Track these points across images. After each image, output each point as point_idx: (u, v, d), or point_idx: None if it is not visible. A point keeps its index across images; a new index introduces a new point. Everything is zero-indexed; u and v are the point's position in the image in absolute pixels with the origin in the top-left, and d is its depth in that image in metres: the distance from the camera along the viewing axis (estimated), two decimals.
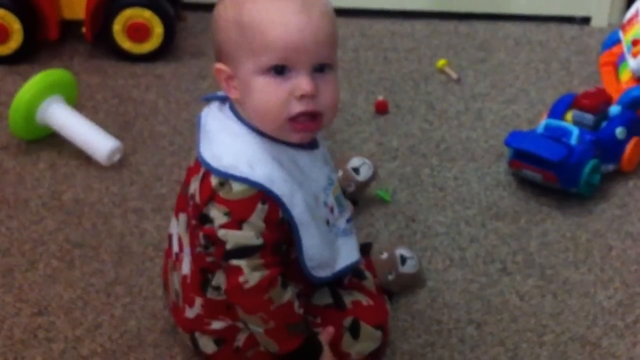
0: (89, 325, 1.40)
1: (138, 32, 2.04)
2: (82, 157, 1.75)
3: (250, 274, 1.15)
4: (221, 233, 1.14)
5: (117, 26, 2.03)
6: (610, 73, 1.91)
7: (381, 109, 1.91)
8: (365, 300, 1.29)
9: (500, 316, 1.43)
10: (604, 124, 1.68)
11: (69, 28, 2.11)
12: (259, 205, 1.14)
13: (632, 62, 1.82)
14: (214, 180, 1.14)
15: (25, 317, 1.42)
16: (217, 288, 1.23)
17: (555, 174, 1.62)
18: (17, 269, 1.50)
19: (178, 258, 1.28)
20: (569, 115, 1.69)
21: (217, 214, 1.14)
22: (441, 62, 2.06)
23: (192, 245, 1.23)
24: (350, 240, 1.29)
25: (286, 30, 1.10)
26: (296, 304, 1.19)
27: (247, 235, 1.14)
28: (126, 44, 2.06)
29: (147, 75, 2.04)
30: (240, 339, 1.26)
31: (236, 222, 1.13)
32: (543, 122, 1.69)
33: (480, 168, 1.75)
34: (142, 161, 1.76)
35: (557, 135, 1.65)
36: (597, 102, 1.68)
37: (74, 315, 1.42)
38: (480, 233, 1.59)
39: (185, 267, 1.26)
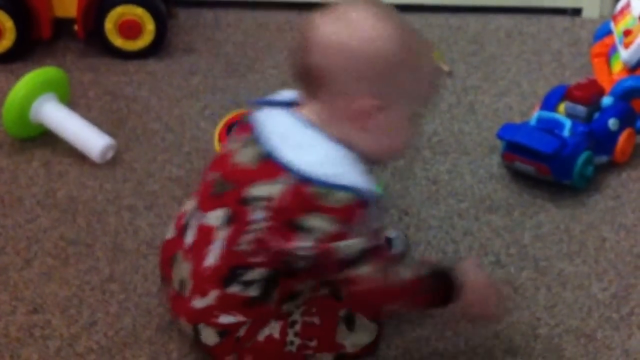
0: (85, 322, 1.40)
1: (130, 29, 2.04)
2: (75, 154, 1.75)
3: (371, 275, 1.19)
4: (333, 245, 1.16)
5: (109, 24, 2.03)
6: (602, 64, 1.92)
7: None
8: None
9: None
10: (596, 115, 1.68)
11: (62, 26, 2.10)
12: (362, 211, 1.16)
13: (623, 53, 1.82)
14: (314, 189, 1.15)
15: (20, 315, 1.42)
16: (248, 283, 1.22)
17: (548, 166, 1.62)
18: (12, 267, 1.50)
19: (194, 249, 1.27)
20: (562, 107, 1.70)
21: (321, 223, 1.15)
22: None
23: (231, 242, 1.22)
24: None
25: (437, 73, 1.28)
26: (408, 274, 1.24)
27: (358, 241, 1.17)
28: (118, 42, 2.05)
29: (139, 72, 2.03)
30: (242, 330, 1.26)
31: (345, 230, 1.16)
32: (535, 114, 1.70)
33: (473, 161, 1.75)
34: (135, 158, 1.76)
35: (549, 128, 1.65)
36: (590, 94, 1.68)
37: (69, 312, 1.42)
38: (474, 226, 1.59)
39: (210, 260, 1.24)
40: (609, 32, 1.95)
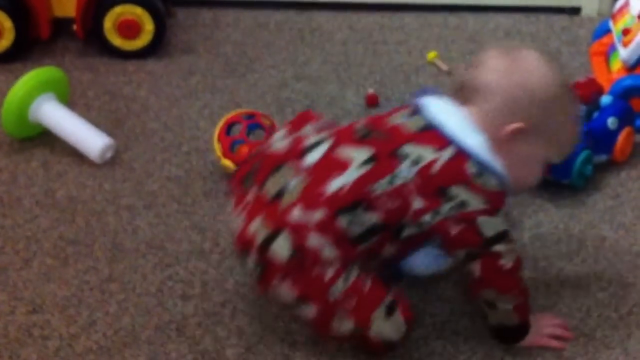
0: (84, 322, 1.41)
1: (129, 29, 2.04)
2: (74, 154, 1.75)
3: (508, 256, 1.29)
4: (481, 220, 1.26)
5: (108, 23, 2.03)
6: (601, 63, 1.92)
7: (372, 102, 1.91)
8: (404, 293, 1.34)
9: None
10: (595, 114, 1.69)
11: (60, 26, 2.11)
12: (504, 199, 1.29)
13: (622, 52, 1.82)
14: (471, 168, 1.26)
15: (20, 315, 1.42)
16: (357, 222, 1.27)
17: (547, 165, 1.62)
18: (12, 267, 1.51)
19: (316, 171, 1.29)
20: None
21: (474, 201, 1.26)
22: (431, 55, 2.07)
23: (365, 181, 1.27)
24: None
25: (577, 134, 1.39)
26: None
27: (502, 221, 1.28)
28: (117, 41, 2.06)
29: (138, 72, 2.04)
30: (310, 257, 1.27)
31: (494, 210, 1.27)
32: None
33: None
34: (134, 158, 1.76)
35: None
36: (589, 93, 1.68)
37: (68, 312, 1.43)
38: None
39: (334, 186, 1.27)
40: (607, 31, 1.95)
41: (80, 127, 1.76)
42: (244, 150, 1.65)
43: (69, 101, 1.86)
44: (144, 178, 1.71)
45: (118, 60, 2.06)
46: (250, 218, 1.31)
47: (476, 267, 1.29)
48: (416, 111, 1.32)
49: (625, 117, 1.71)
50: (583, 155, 1.62)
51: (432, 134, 1.28)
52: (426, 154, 1.26)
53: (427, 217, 1.27)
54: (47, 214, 1.62)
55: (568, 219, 1.60)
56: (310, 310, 1.29)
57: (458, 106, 1.31)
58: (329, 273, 1.27)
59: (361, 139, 1.31)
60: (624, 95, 1.76)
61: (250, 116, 1.71)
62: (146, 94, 1.96)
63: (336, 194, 1.27)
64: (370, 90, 1.92)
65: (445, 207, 1.26)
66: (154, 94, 1.96)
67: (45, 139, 1.79)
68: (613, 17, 1.93)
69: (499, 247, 1.28)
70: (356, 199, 1.27)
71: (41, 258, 1.53)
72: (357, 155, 1.29)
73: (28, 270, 1.50)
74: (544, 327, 1.37)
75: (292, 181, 1.30)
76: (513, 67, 1.29)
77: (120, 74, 2.03)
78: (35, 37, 2.06)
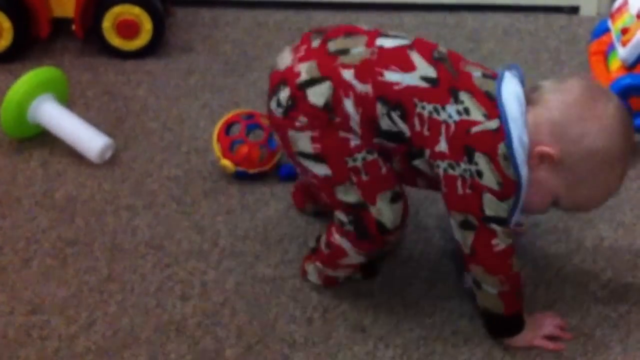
0: (83, 322, 1.41)
1: (128, 28, 2.04)
2: (74, 154, 1.76)
3: (503, 239, 1.30)
4: (487, 197, 1.28)
5: (107, 23, 2.04)
6: (600, 62, 1.92)
7: None
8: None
9: None
10: None
11: (60, 26, 2.11)
12: (515, 194, 1.29)
13: (621, 51, 1.82)
14: (502, 148, 1.26)
15: (19, 315, 1.42)
16: (389, 120, 1.29)
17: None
18: (11, 268, 1.51)
19: (386, 54, 1.31)
20: None
21: (490, 176, 1.27)
22: None
23: (414, 93, 1.28)
24: None
25: (602, 203, 1.37)
26: (521, 276, 1.35)
27: (505, 208, 1.29)
28: (116, 41, 2.06)
29: (137, 71, 2.04)
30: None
31: (503, 195, 1.28)
32: None
33: None
34: (134, 158, 1.76)
35: None
36: None
37: (68, 313, 1.43)
38: None
39: (391, 78, 1.29)
40: (606, 30, 1.95)
41: (79, 127, 1.76)
42: (243, 150, 1.66)
43: (68, 101, 1.86)
44: (143, 178, 1.71)
45: (117, 60, 2.06)
46: (302, 59, 1.33)
47: (469, 238, 1.31)
48: (492, 76, 1.32)
49: None
50: None
51: (491, 103, 1.28)
52: (476, 112, 1.27)
53: (443, 164, 1.29)
54: (47, 214, 1.62)
55: (567, 218, 1.61)
56: (321, 169, 1.33)
57: (525, 100, 1.30)
58: (352, 143, 1.31)
59: (435, 60, 1.31)
60: (622, 94, 1.75)
61: (250, 116, 1.71)
62: (145, 93, 1.97)
63: (389, 84, 1.29)
64: None
65: (463, 166, 1.27)
66: (153, 94, 1.96)
67: (44, 139, 1.79)
68: (612, 16, 1.93)
69: (495, 226, 1.29)
70: (400, 102, 1.28)
71: (40, 258, 1.53)
72: (425, 69, 1.30)
73: (27, 270, 1.51)
74: (542, 327, 1.38)
75: (359, 48, 1.32)
76: (589, 102, 1.27)
77: (119, 73, 2.03)
78: (34, 37, 2.07)
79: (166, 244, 1.56)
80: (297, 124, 1.31)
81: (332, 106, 1.29)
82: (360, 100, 1.29)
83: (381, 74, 1.29)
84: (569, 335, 1.38)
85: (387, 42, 1.33)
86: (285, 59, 1.35)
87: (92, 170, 1.73)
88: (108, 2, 2.03)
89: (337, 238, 1.39)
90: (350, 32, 1.36)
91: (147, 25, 2.05)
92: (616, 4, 1.94)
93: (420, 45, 1.33)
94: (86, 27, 2.06)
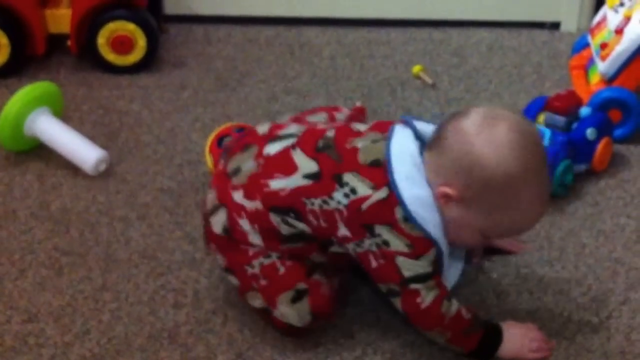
0: (78, 331, 1.42)
1: (122, 44, 2.06)
2: (69, 167, 1.76)
3: (427, 295, 1.28)
4: (400, 260, 1.27)
5: (102, 39, 2.06)
6: (580, 76, 1.94)
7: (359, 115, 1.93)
8: (326, 287, 1.36)
9: (478, 314, 1.45)
10: (575, 125, 1.70)
11: (55, 41, 2.12)
12: (430, 250, 1.28)
13: (601, 65, 1.84)
14: (399, 212, 1.25)
15: (15, 324, 1.43)
16: (289, 224, 1.32)
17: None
18: (7, 278, 1.52)
19: (271, 163, 1.33)
20: (541, 118, 1.72)
21: (396, 242, 1.26)
22: (417, 68, 2.09)
23: (303, 193, 1.30)
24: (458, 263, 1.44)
25: (532, 225, 1.32)
26: (463, 311, 1.32)
27: (423, 264, 1.28)
28: (110, 57, 2.08)
29: (131, 86, 2.05)
30: (238, 236, 1.34)
31: (415, 255, 1.27)
32: None
33: None
34: (128, 170, 1.78)
35: None
36: (568, 104, 1.70)
37: (63, 321, 1.43)
38: None
39: (277, 185, 1.31)
40: (586, 45, 1.97)
41: (74, 140, 1.77)
42: None
43: (64, 115, 1.87)
44: (137, 190, 1.72)
45: (111, 75, 2.08)
46: (210, 185, 1.39)
47: (398, 304, 1.31)
48: (381, 138, 1.30)
49: (604, 128, 1.72)
50: (563, 164, 1.64)
51: (378, 171, 1.27)
52: (362, 188, 1.27)
53: (351, 246, 1.30)
54: (42, 225, 1.63)
55: (549, 227, 1.62)
56: (234, 280, 1.39)
57: (425, 148, 1.29)
58: (251, 251, 1.34)
59: (317, 151, 1.32)
60: (602, 106, 1.78)
61: (241, 129, 1.72)
62: (139, 107, 1.98)
63: (275, 193, 1.32)
64: (358, 104, 1.94)
65: (367, 242, 1.28)
66: (147, 108, 1.98)
67: (40, 152, 1.80)
68: (591, 31, 1.95)
69: (416, 286, 1.28)
70: (290, 205, 1.31)
71: (36, 268, 1.54)
72: (306, 166, 1.31)
73: (23, 280, 1.51)
74: (530, 342, 1.37)
75: (248, 164, 1.35)
76: (481, 132, 1.23)
77: (114, 88, 2.04)
78: (30, 53, 2.08)
79: (159, 254, 1.57)
80: (212, 247, 1.39)
81: (229, 229, 1.34)
82: (254, 217, 1.33)
83: (267, 185, 1.32)
84: (551, 348, 1.39)
85: (273, 148, 1.35)
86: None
87: (87, 182, 1.74)
88: (103, 19, 2.04)
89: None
90: (246, 143, 1.38)
91: (141, 41, 2.06)
92: (595, 20, 1.96)
93: (305, 139, 1.34)
94: (81, 43, 2.07)
